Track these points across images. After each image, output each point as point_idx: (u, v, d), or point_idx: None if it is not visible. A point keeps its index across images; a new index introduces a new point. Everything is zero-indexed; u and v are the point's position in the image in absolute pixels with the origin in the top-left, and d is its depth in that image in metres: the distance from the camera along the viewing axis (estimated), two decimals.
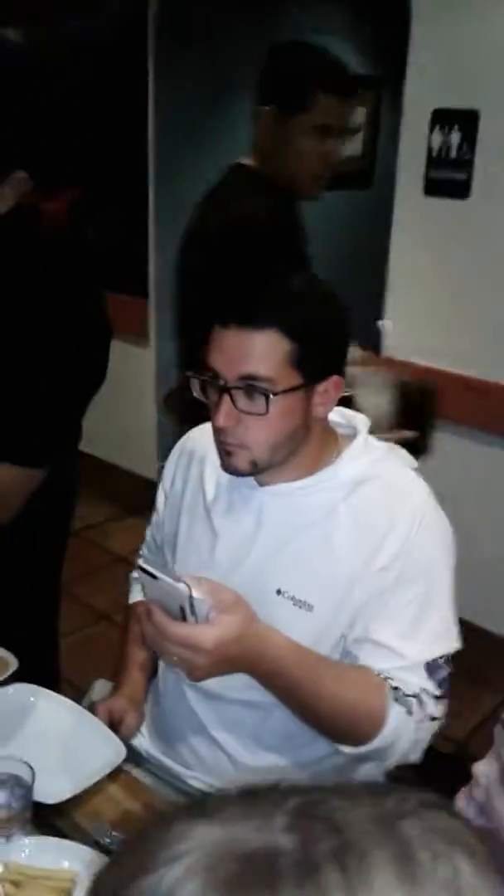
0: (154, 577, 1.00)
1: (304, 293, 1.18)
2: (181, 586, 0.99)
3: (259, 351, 1.12)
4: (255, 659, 1.08)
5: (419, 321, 2.60)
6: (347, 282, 4.07)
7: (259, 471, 1.21)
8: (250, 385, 1.13)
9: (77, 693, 1.63)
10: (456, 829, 0.43)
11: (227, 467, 1.22)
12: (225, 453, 1.21)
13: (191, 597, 1.00)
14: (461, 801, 0.98)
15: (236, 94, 3.70)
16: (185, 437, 1.45)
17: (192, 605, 1.00)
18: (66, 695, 1.38)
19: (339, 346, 1.22)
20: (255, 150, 1.95)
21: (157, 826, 0.44)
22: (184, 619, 1.01)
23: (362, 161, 4.37)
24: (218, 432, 1.19)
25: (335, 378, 1.19)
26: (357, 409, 1.73)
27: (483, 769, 0.96)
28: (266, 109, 1.84)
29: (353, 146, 4.33)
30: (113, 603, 2.91)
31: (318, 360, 1.16)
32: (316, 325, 1.15)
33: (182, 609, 1.00)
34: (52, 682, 1.63)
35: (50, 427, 1.26)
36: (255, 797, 0.44)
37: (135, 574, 1.48)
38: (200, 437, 1.39)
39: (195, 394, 1.21)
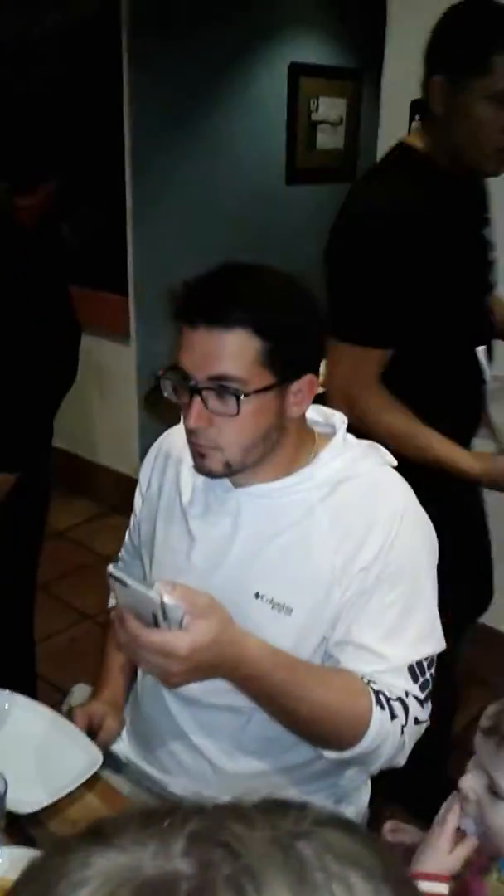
0: (125, 583, 0.97)
1: (275, 290, 1.15)
2: (152, 593, 0.96)
3: (228, 350, 1.09)
4: (231, 664, 1.05)
5: None
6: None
7: (233, 472, 1.18)
8: (221, 385, 1.10)
9: (58, 696, 1.61)
10: (352, 848, 0.43)
11: (201, 469, 1.20)
12: (198, 455, 1.18)
13: (163, 603, 0.97)
14: (451, 822, 0.96)
15: (212, 88, 3.68)
16: (161, 438, 1.43)
17: (164, 612, 0.97)
18: (47, 698, 1.36)
19: (313, 344, 1.19)
20: (424, 127, 1.70)
21: (56, 855, 0.43)
22: (157, 625, 0.99)
23: (344, 154, 4.35)
24: (190, 433, 1.17)
25: (309, 377, 1.16)
26: (491, 427, 1.69)
27: (470, 783, 0.94)
28: (436, 80, 1.59)
29: (334, 139, 4.31)
30: (96, 604, 2.88)
31: (290, 359, 1.13)
32: (287, 323, 1.12)
33: (155, 616, 0.98)
34: (29, 685, 1.61)
35: (22, 430, 1.23)
36: (153, 820, 0.43)
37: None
38: (176, 439, 1.37)
39: (166, 394, 1.18)
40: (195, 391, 1.12)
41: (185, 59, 3.46)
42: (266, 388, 1.12)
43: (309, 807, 0.45)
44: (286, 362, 1.12)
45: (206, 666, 1.02)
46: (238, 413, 1.11)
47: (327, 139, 4.25)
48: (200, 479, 1.30)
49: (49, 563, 2.48)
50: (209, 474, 1.20)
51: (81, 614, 3.00)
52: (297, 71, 4.00)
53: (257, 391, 1.11)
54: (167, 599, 0.97)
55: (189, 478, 1.32)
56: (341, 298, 1.64)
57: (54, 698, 1.52)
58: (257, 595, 1.20)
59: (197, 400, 1.12)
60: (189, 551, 1.28)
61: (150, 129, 3.46)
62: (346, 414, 1.31)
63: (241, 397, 1.10)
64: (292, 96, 4.02)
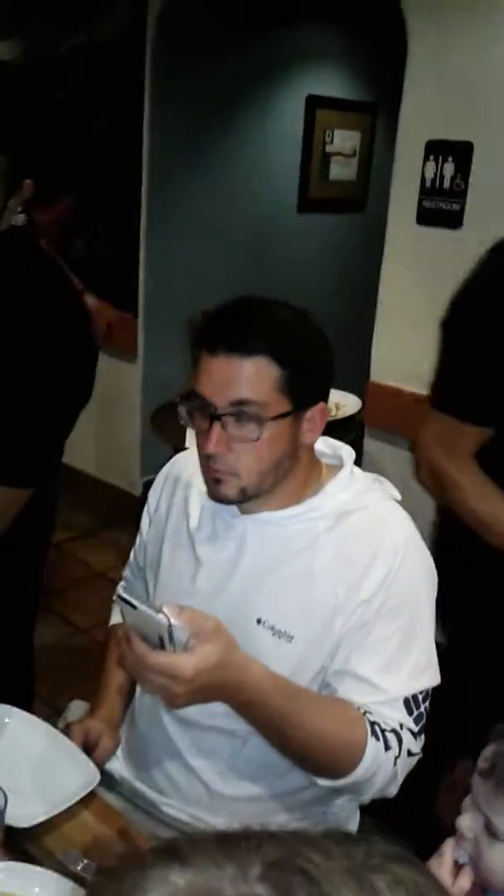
0: (133, 606, 0.99)
1: (290, 322, 1.19)
2: (160, 617, 0.98)
3: (249, 376, 1.13)
4: (234, 688, 1.07)
5: (407, 348, 2.61)
6: (343, 302, 4.11)
7: (247, 498, 1.21)
8: (242, 411, 1.14)
9: (52, 711, 1.62)
10: (420, 883, 0.44)
11: (216, 495, 1.22)
12: (213, 481, 1.21)
13: (170, 626, 0.99)
14: (448, 853, 0.97)
15: (230, 115, 3.74)
16: (171, 462, 1.45)
17: (170, 635, 1.00)
18: (40, 713, 1.36)
19: (324, 374, 1.23)
20: None
21: (133, 869, 0.44)
22: (163, 647, 1.01)
23: (356, 185, 4.41)
24: (207, 459, 1.19)
25: (321, 405, 1.21)
26: None
27: (467, 823, 0.96)
28: None
29: (347, 170, 4.37)
30: (92, 618, 2.89)
31: (305, 387, 1.17)
32: (303, 352, 1.17)
33: (161, 638, 1.00)
34: (25, 700, 1.62)
35: (38, 447, 1.26)
36: (228, 843, 0.44)
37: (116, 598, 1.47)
38: (187, 463, 1.39)
39: (182, 422, 1.21)
40: (215, 417, 1.15)
41: (204, 85, 3.52)
42: (284, 415, 1.15)
43: (376, 841, 0.46)
44: (301, 390, 1.17)
45: (209, 689, 1.04)
46: (259, 438, 1.14)
47: (340, 170, 4.31)
48: (209, 504, 1.32)
49: (45, 576, 2.50)
50: (224, 500, 1.22)
51: (75, 628, 3.00)
52: (314, 103, 4.07)
53: (276, 417, 1.15)
54: (174, 622, 0.99)
55: (197, 502, 1.34)
56: (450, 368, 1.59)
57: (46, 713, 1.53)
58: (259, 621, 1.22)
59: (217, 426, 1.15)
60: (194, 575, 1.30)
61: (168, 152, 3.52)
62: (428, 482, 1.30)
63: (264, 421, 1.13)
64: (308, 127, 4.08)
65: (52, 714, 1.58)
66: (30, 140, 1.16)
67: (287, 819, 1.28)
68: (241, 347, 1.13)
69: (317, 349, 1.21)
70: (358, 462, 2.54)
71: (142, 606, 0.99)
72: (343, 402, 2.75)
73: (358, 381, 2.80)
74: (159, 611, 1.00)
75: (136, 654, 1.01)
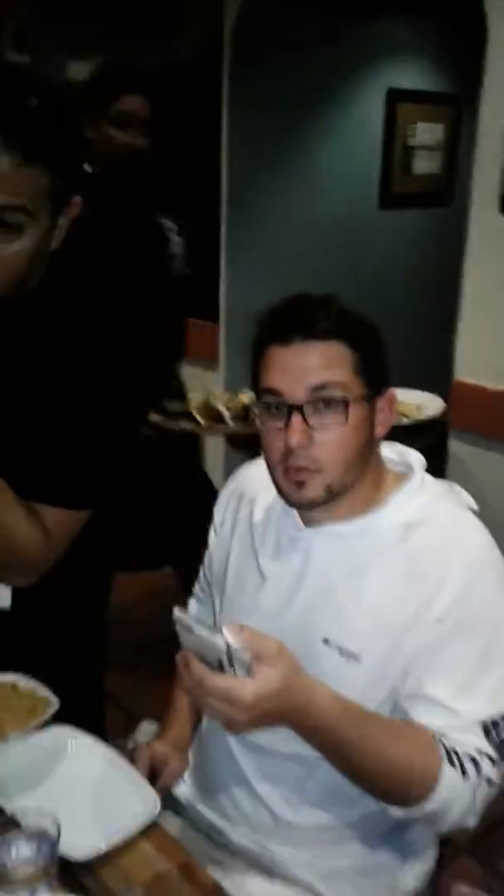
0: (190, 628, 0.94)
1: (353, 310, 1.17)
2: (218, 640, 0.93)
3: (328, 360, 1.11)
4: (298, 714, 1.00)
5: (492, 343, 2.49)
6: (430, 300, 4.00)
7: (332, 497, 1.14)
8: (324, 396, 1.10)
9: (126, 717, 1.58)
10: None
11: (299, 500, 1.16)
12: (294, 484, 1.14)
13: (229, 649, 0.93)
14: None
15: (309, 114, 3.67)
16: (233, 476, 1.40)
17: (230, 658, 0.94)
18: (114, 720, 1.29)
19: (386, 358, 1.19)
20: None
21: None
22: (222, 670, 0.95)
23: (441, 179, 4.27)
24: (286, 459, 1.13)
25: (390, 393, 1.18)
26: None
27: None
28: None
29: (431, 164, 4.24)
30: (165, 631, 2.84)
31: (377, 371, 1.16)
32: (371, 336, 1.16)
33: (220, 661, 0.94)
34: (97, 715, 1.59)
35: (92, 468, 1.22)
36: None
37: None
38: (250, 476, 1.35)
39: (258, 422, 1.16)
40: (294, 408, 1.10)
41: (283, 85, 3.47)
42: (363, 398, 1.13)
43: None
44: (375, 374, 1.15)
45: (272, 714, 0.97)
46: (347, 420, 1.11)
47: (424, 164, 4.18)
48: (273, 517, 1.27)
49: (124, 586, 2.47)
50: (308, 504, 1.16)
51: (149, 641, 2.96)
52: (395, 97, 3.96)
53: (359, 398, 1.12)
54: (234, 643, 0.93)
55: (262, 516, 1.29)
56: None
57: (120, 719, 1.49)
58: (325, 641, 1.15)
59: (297, 418, 1.10)
60: (259, 591, 1.25)
61: (247, 156, 3.48)
62: None
63: (350, 402, 1.10)
64: (389, 122, 3.98)
65: (126, 720, 1.55)
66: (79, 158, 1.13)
67: (360, 848, 1.20)
68: (317, 332, 1.11)
69: (379, 333, 1.19)
70: (442, 467, 2.43)
71: (199, 628, 0.94)
72: (425, 404, 2.63)
73: (441, 383, 2.69)
74: (218, 632, 0.94)
75: (195, 677, 0.96)
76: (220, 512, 1.39)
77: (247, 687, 0.94)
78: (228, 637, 0.94)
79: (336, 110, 3.77)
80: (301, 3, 3.33)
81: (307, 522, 1.21)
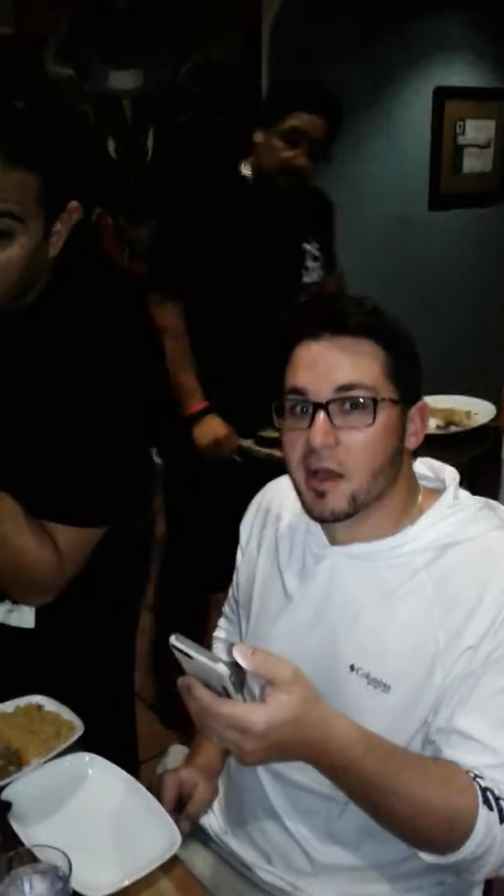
0: (189, 656, 0.88)
1: (388, 314, 1.11)
2: (219, 667, 0.87)
3: (357, 358, 1.05)
4: (316, 748, 0.93)
5: None
6: (483, 303, 3.89)
7: (357, 509, 1.07)
8: (351, 396, 1.04)
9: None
10: None
11: (321, 512, 1.08)
12: (317, 494, 1.08)
13: (236, 673, 0.88)
14: None
15: (354, 115, 3.59)
16: (260, 493, 1.35)
17: (236, 684, 0.88)
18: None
19: (418, 367, 1.13)
20: None
21: None
22: (228, 697, 0.90)
23: (493, 177, 4.16)
24: (308, 459, 1.07)
25: (421, 403, 1.12)
26: None
27: None
28: None
29: (482, 162, 4.13)
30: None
31: (409, 377, 1.09)
32: (406, 340, 1.11)
33: (225, 689, 0.89)
34: (126, 738, 1.56)
35: (102, 485, 1.18)
36: None
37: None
38: (276, 492, 1.30)
39: (277, 424, 1.11)
40: (319, 407, 1.04)
41: (324, 89, 3.41)
42: (394, 402, 1.06)
43: None
44: (406, 380, 1.09)
45: (286, 745, 0.91)
46: (374, 422, 1.04)
47: (474, 162, 4.08)
48: (299, 535, 1.21)
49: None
50: (331, 516, 1.08)
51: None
52: (443, 94, 3.87)
53: (388, 400, 1.05)
54: (245, 666, 0.88)
55: (287, 535, 1.24)
56: None
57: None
58: (352, 668, 1.09)
59: (321, 417, 1.04)
60: (283, 612, 1.19)
61: None
62: None
63: (378, 402, 1.04)
64: (437, 120, 3.90)
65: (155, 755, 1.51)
66: (69, 161, 1.09)
67: (391, 892, 1.13)
68: (348, 328, 1.05)
69: (413, 342, 1.12)
70: (496, 477, 2.31)
71: (198, 656, 0.88)
72: (475, 410, 2.54)
73: (495, 388, 2.59)
74: (219, 659, 0.89)
75: (200, 702, 0.90)
76: (246, 529, 1.34)
77: (257, 713, 0.88)
78: (239, 660, 0.88)
79: (383, 109, 3.71)
80: (339, 5, 3.28)
81: (333, 541, 1.15)
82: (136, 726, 1.57)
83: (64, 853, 0.97)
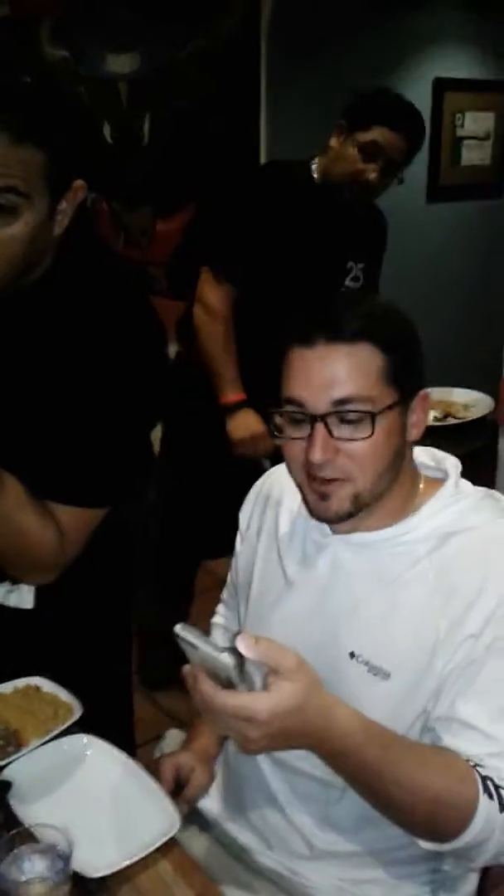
0: (194, 646, 0.89)
1: (384, 304, 1.10)
2: (224, 657, 0.87)
3: (353, 369, 1.02)
4: (318, 735, 0.94)
5: None
6: (479, 296, 3.88)
7: (360, 507, 1.07)
8: (347, 410, 1.02)
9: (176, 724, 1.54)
10: None
11: (323, 513, 1.09)
12: (319, 496, 1.08)
13: (241, 663, 0.88)
14: None
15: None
16: (262, 478, 1.35)
17: (240, 675, 0.88)
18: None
19: (420, 357, 1.11)
20: None
21: None
22: (232, 687, 0.90)
23: (491, 170, 4.16)
24: (309, 470, 1.07)
25: (422, 393, 1.10)
26: None
27: None
28: None
29: (481, 154, 4.13)
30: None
31: (410, 372, 1.07)
32: (404, 334, 1.09)
33: (229, 679, 0.89)
34: (123, 720, 1.56)
35: (105, 466, 1.18)
36: None
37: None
38: (277, 478, 1.29)
39: (275, 434, 1.10)
40: (317, 419, 1.03)
41: (325, 78, 3.40)
42: (392, 406, 1.04)
43: None
44: (407, 376, 1.07)
45: (289, 734, 0.91)
46: (372, 434, 1.03)
47: (473, 155, 4.08)
48: (299, 522, 1.21)
49: None
50: (334, 518, 1.09)
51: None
52: (442, 86, 3.86)
53: (385, 409, 1.04)
54: (249, 656, 0.88)
55: (287, 521, 1.24)
56: None
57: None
58: (352, 655, 1.09)
59: (320, 430, 1.03)
60: (283, 598, 1.19)
61: (288, 151, 3.41)
62: None
63: (376, 416, 1.02)
64: (436, 112, 3.88)
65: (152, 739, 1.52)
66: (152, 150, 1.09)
67: (388, 878, 1.14)
68: (343, 334, 1.03)
69: (413, 332, 1.10)
70: (493, 468, 2.33)
71: (203, 646, 0.88)
72: (473, 402, 2.55)
73: (492, 380, 2.60)
74: (225, 649, 0.89)
75: (204, 694, 0.90)
76: (245, 514, 1.34)
77: (261, 702, 0.88)
78: (242, 649, 0.88)
79: None
80: None
81: (334, 530, 1.15)
82: (132, 709, 1.57)
83: (65, 833, 0.98)
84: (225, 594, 1.43)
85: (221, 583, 1.44)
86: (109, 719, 1.32)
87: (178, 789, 1.26)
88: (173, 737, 1.45)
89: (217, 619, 1.44)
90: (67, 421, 1.15)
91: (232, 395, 2.25)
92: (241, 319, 2.25)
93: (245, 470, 1.45)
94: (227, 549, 1.39)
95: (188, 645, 0.89)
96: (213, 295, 2.23)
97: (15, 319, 1.15)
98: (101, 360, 1.15)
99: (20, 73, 1.04)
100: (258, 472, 1.38)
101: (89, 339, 1.15)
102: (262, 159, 3.40)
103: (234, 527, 1.36)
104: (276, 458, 1.21)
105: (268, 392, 2.26)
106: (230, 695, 0.89)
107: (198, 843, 1.25)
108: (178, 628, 0.89)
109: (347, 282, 2.36)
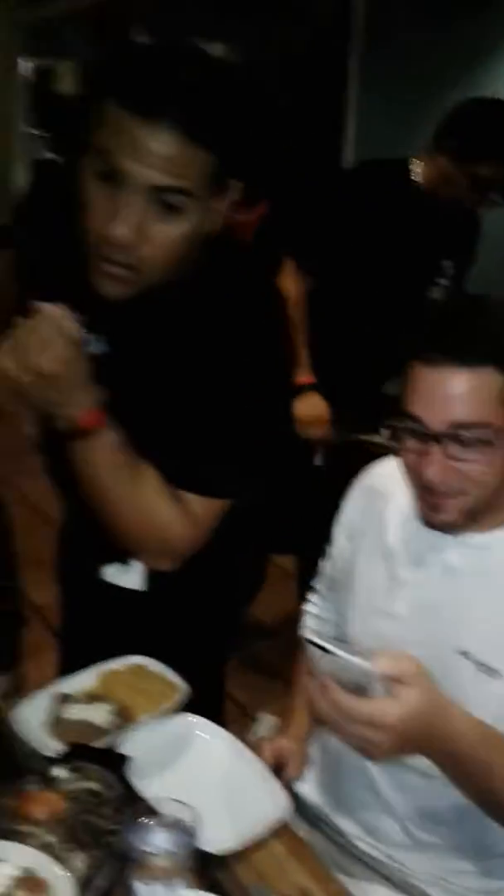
0: (330, 652, 0.90)
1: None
2: (366, 665, 0.89)
3: (472, 393, 1.03)
4: (440, 738, 0.96)
5: None
6: None
7: (472, 518, 1.10)
8: (464, 435, 1.03)
9: (239, 711, 1.57)
10: None
11: (433, 523, 1.12)
12: (430, 507, 1.10)
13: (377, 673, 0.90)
14: None
15: (442, 96, 3.53)
16: (368, 472, 1.36)
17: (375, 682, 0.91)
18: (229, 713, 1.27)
19: None
20: None
21: None
22: (360, 692, 0.92)
23: None
24: (424, 482, 1.09)
25: None
26: None
27: None
28: None
29: None
30: (279, 618, 2.84)
31: None
32: None
33: (360, 684, 0.91)
34: (215, 707, 1.59)
35: (239, 458, 1.21)
36: None
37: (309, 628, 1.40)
38: (385, 474, 1.30)
39: (385, 440, 1.12)
40: (433, 438, 1.05)
41: (413, 68, 3.38)
42: None
43: None
44: None
45: (412, 738, 0.94)
46: (492, 459, 1.04)
47: None
48: (410, 518, 1.22)
49: None
50: (445, 527, 1.12)
51: (264, 630, 2.96)
52: None
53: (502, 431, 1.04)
54: (375, 670, 0.90)
55: (397, 517, 1.25)
56: None
57: (235, 713, 1.48)
58: (463, 653, 1.11)
59: (437, 451, 1.05)
60: (392, 597, 1.21)
61: (374, 143, 3.40)
62: None
63: (493, 444, 1.03)
64: None
65: (239, 714, 1.54)
66: (244, 140, 1.10)
67: (491, 871, 1.16)
68: (466, 356, 1.03)
69: None
70: None
71: (341, 653, 0.90)
72: None
73: None
74: (359, 653, 0.91)
75: (337, 704, 0.91)
76: (348, 508, 1.36)
77: (391, 709, 0.91)
78: (368, 665, 0.90)
79: (471, 88, 3.61)
80: None
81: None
82: (224, 696, 1.60)
83: (192, 808, 1.01)
84: (320, 585, 1.46)
85: (284, 574, 1.44)
86: (204, 702, 1.34)
87: (277, 773, 1.28)
88: (266, 721, 1.49)
89: (310, 608, 1.46)
90: (203, 414, 1.17)
91: (303, 376, 2.35)
92: (319, 309, 2.33)
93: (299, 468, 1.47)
94: (290, 546, 1.41)
95: (321, 651, 0.90)
96: (292, 285, 2.33)
97: (161, 315, 1.17)
98: (245, 360, 1.17)
99: (196, 71, 1.02)
100: (311, 470, 1.40)
101: (233, 339, 1.16)
102: (349, 146, 3.39)
103: (295, 525, 1.37)
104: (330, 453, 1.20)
105: (339, 381, 2.27)
106: (363, 703, 0.91)
107: (295, 827, 1.28)
108: (309, 634, 0.91)
109: (441, 279, 2.38)
